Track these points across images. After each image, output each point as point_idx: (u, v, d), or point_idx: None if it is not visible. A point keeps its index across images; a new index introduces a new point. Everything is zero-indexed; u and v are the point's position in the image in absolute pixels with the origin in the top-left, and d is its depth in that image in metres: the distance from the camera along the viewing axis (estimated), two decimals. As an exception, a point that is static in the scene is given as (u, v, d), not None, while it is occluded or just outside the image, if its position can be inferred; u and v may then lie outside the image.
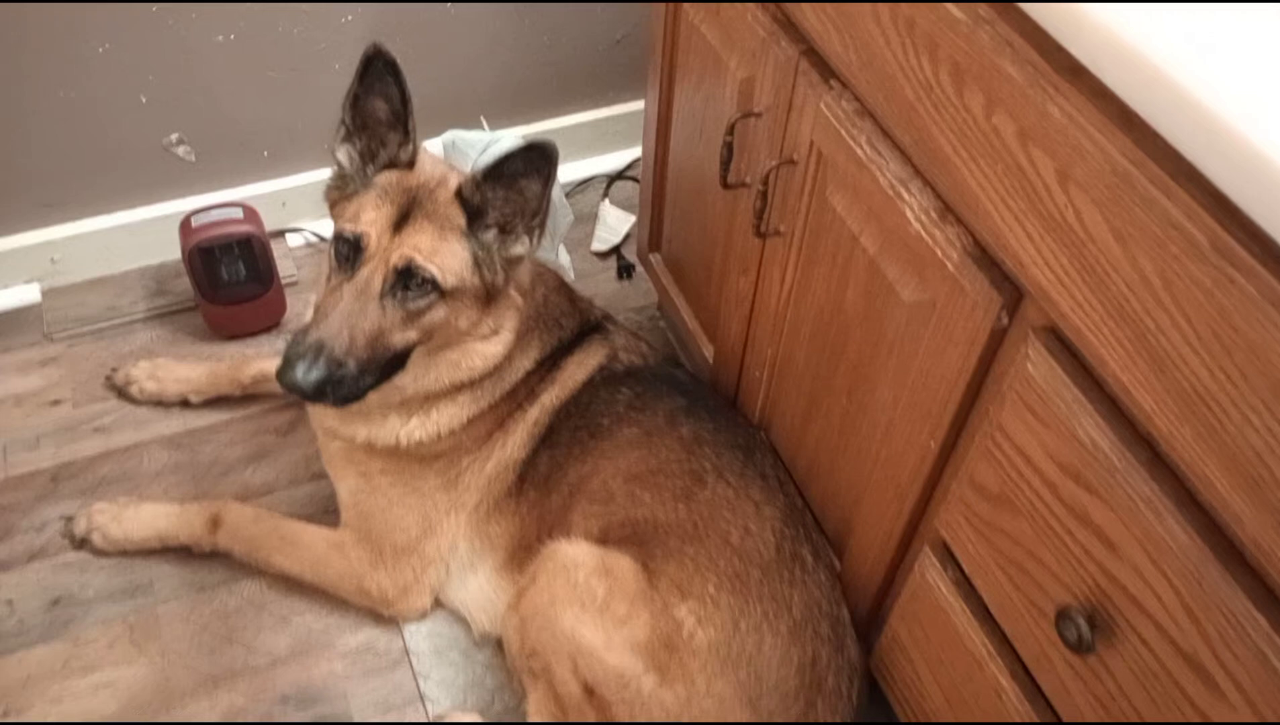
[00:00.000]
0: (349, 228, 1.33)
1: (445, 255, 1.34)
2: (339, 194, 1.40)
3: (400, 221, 1.33)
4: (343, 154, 1.40)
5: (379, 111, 1.37)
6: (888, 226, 1.12)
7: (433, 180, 1.37)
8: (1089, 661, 0.95)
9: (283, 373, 1.30)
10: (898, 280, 1.13)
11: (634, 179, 2.23)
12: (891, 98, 1.06)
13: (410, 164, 1.38)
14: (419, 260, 1.32)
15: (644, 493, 1.45)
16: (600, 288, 2.10)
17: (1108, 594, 0.91)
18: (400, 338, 1.36)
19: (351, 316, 1.31)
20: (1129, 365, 0.82)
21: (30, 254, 1.96)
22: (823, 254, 1.28)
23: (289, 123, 1.99)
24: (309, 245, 2.13)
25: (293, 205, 2.09)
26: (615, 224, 2.20)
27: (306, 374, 1.29)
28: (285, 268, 2.02)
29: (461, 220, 1.36)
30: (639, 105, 2.05)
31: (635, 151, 2.24)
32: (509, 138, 2.02)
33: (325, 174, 2.01)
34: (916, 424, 1.15)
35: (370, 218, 1.33)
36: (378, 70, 1.33)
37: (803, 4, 1.18)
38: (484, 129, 2.06)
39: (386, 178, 1.37)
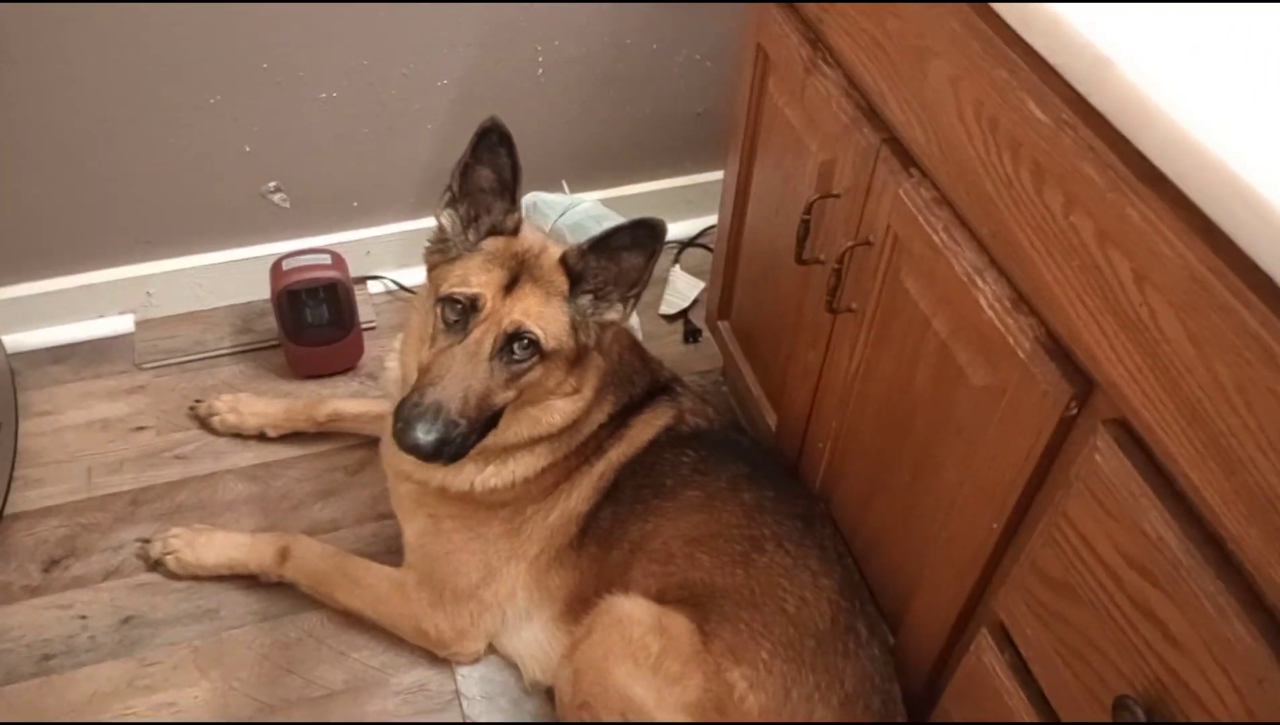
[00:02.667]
0: (462, 290, 1.38)
1: (549, 319, 1.39)
2: (440, 257, 1.45)
3: (509, 285, 1.39)
4: (446, 218, 1.45)
5: (485, 180, 1.42)
6: (960, 312, 1.15)
7: (536, 246, 1.43)
8: (1146, 754, 0.95)
9: (403, 434, 1.34)
10: (968, 364, 1.16)
11: (705, 246, 2.29)
12: (971, 190, 1.10)
13: (515, 231, 1.44)
14: (528, 323, 1.37)
15: (703, 555, 1.47)
16: (666, 350, 2.15)
17: (1168, 688, 0.92)
18: (501, 397, 1.40)
19: (465, 378, 1.35)
20: (1199, 464, 0.84)
21: (127, 286, 2.06)
22: (894, 334, 1.31)
23: (379, 177, 2.08)
24: (388, 292, 2.21)
25: (376, 254, 2.17)
26: (684, 289, 2.25)
27: (426, 435, 1.32)
28: (365, 313, 2.09)
29: (564, 286, 1.42)
30: (715, 176, 2.12)
31: (708, 220, 2.30)
32: (588, 201, 2.10)
33: (408, 226, 2.13)
34: (980, 506, 1.17)
35: (483, 281, 1.38)
36: (491, 142, 1.39)
37: (887, 95, 1.23)
38: (564, 192, 2.13)
39: (493, 243, 1.42)
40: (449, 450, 1.35)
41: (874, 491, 1.45)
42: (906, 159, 1.23)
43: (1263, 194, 0.75)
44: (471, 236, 1.45)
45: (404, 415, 1.35)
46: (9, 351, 2.00)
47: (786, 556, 1.46)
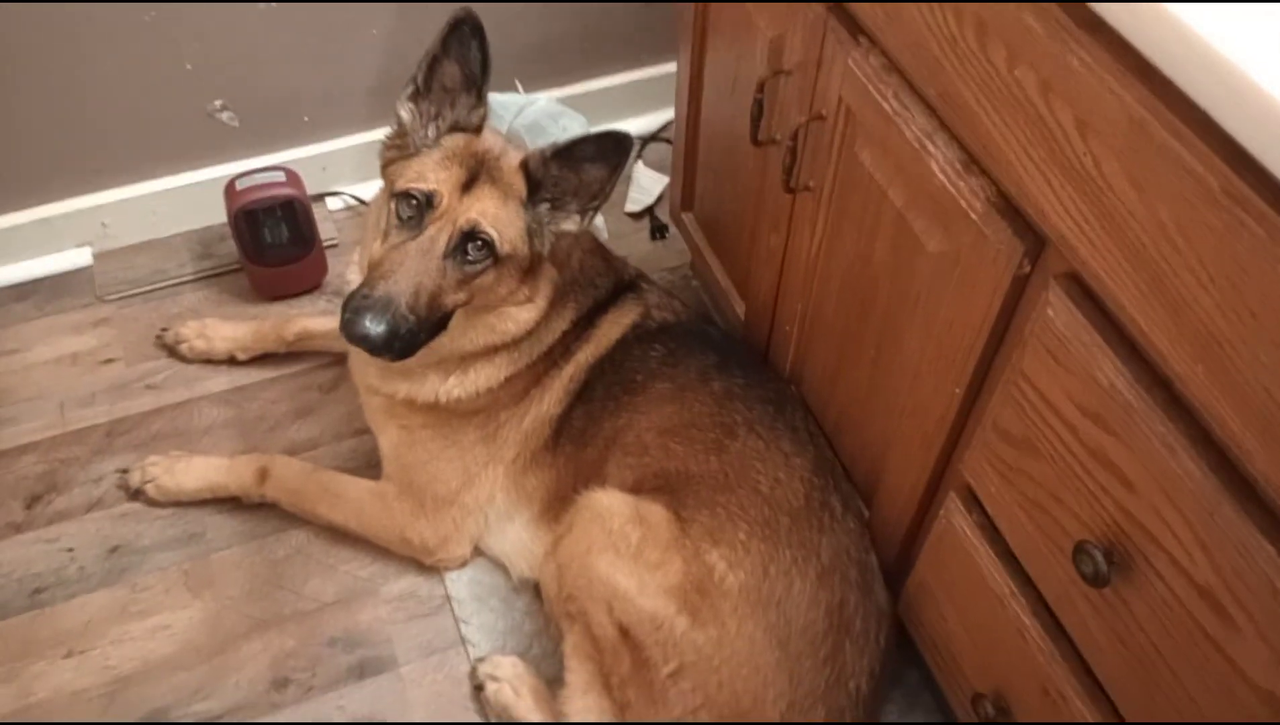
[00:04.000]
0: (418, 186, 1.36)
1: (506, 222, 1.38)
2: (397, 153, 1.43)
3: (467, 184, 1.37)
4: (406, 111, 1.42)
5: (450, 75, 1.40)
6: (914, 179, 1.15)
7: (496, 148, 1.41)
8: (1107, 596, 0.98)
9: (351, 324, 1.33)
10: (924, 232, 1.16)
11: (667, 140, 2.26)
12: (918, 53, 1.08)
13: (479, 129, 1.42)
14: (484, 224, 1.36)
15: (677, 445, 1.49)
16: (634, 248, 2.14)
17: (1125, 531, 0.94)
18: (452, 298, 1.40)
19: (417, 274, 1.34)
20: (1146, 308, 0.85)
21: (81, 218, 2.02)
22: (851, 208, 1.31)
23: (328, 89, 2.03)
24: (348, 208, 2.18)
25: (332, 169, 2.13)
26: (648, 185, 2.23)
27: (374, 326, 1.32)
28: (325, 230, 2.07)
29: (523, 191, 1.40)
30: (671, 68, 2.07)
31: (668, 114, 2.26)
32: (543, 100, 2.06)
33: (364, 138, 2.09)
34: (942, 373, 1.18)
35: (441, 177, 1.37)
36: (463, 34, 1.36)
37: (831, -38, 1.20)
38: (518, 91, 2.09)
39: (453, 141, 1.40)
40: (397, 344, 1.35)
41: (841, 368, 1.46)
42: (854, 27, 1.21)
43: (1197, 30, 0.74)
44: (431, 133, 1.42)
45: (353, 305, 1.34)
46: (-33, 293, 1.98)
47: (758, 440, 1.48)
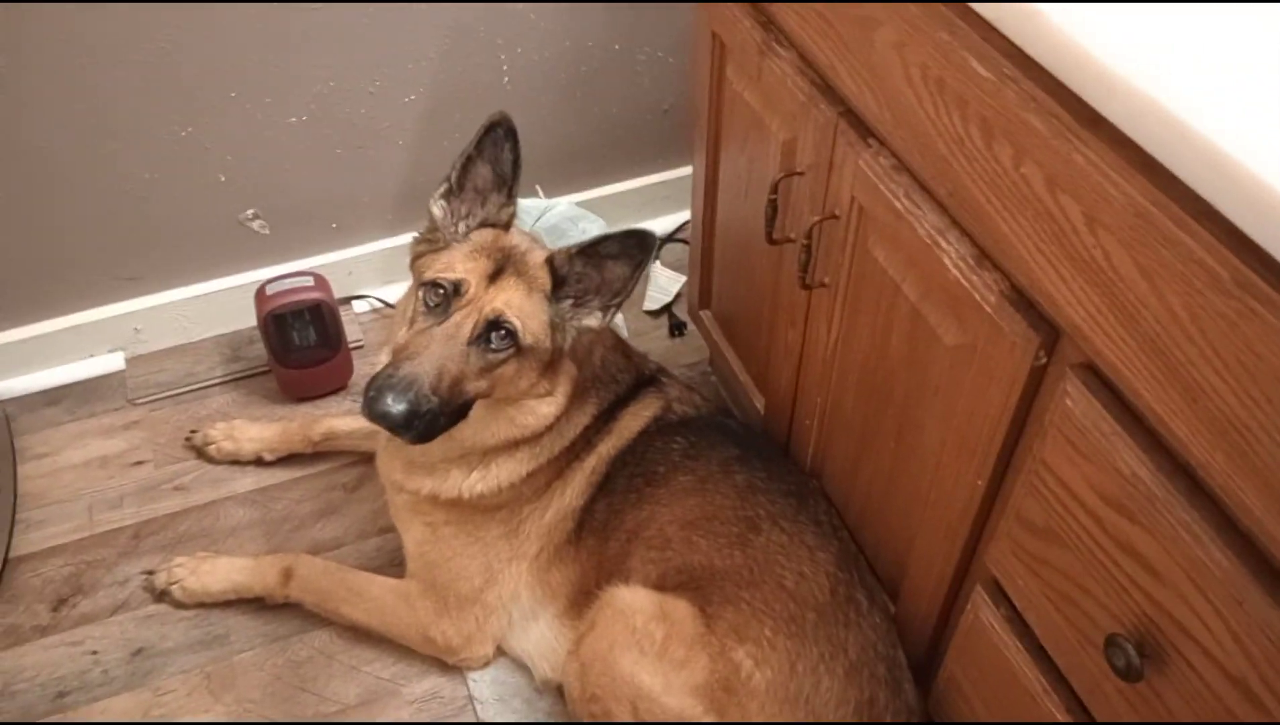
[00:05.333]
0: (446, 276, 1.40)
1: (529, 314, 1.41)
2: (427, 247, 1.48)
3: (494, 276, 1.41)
4: (438, 209, 1.48)
5: (482, 175, 1.46)
6: (928, 274, 1.17)
7: (523, 244, 1.46)
8: (1140, 690, 0.97)
9: (374, 402, 1.34)
10: (939, 325, 1.18)
11: (683, 241, 2.31)
12: (925, 152, 1.12)
13: (508, 226, 1.47)
14: (508, 314, 1.39)
15: (700, 539, 1.49)
16: (653, 346, 2.17)
17: (1155, 621, 0.93)
18: (473, 386, 1.42)
19: (440, 357, 1.37)
20: (1163, 397, 0.86)
21: (115, 324, 2.08)
22: (866, 303, 1.33)
23: (355, 197, 2.10)
24: (373, 311, 2.23)
25: (358, 274, 2.19)
26: (666, 284, 2.27)
27: (396, 404, 1.33)
28: (352, 332, 2.11)
29: (548, 285, 1.44)
30: (687, 170, 2.14)
31: (684, 214, 2.32)
32: (563, 204, 2.12)
33: (388, 243, 2.15)
34: (963, 464, 1.19)
35: (468, 267, 1.41)
36: (497, 136, 1.42)
37: (839, 68, 1.25)
38: (539, 196, 2.15)
39: (482, 235, 1.45)
40: (418, 424, 1.36)
41: (862, 461, 1.46)
42: (863, 130, 1.25)
43: (1194, 127, 0.77)
44: (462, 229, 1.47)
45: (376, 384, 1.36)
46: (2, 397, 2.02)
47: (782, 534, 1.47)
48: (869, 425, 1.41)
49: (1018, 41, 0.93)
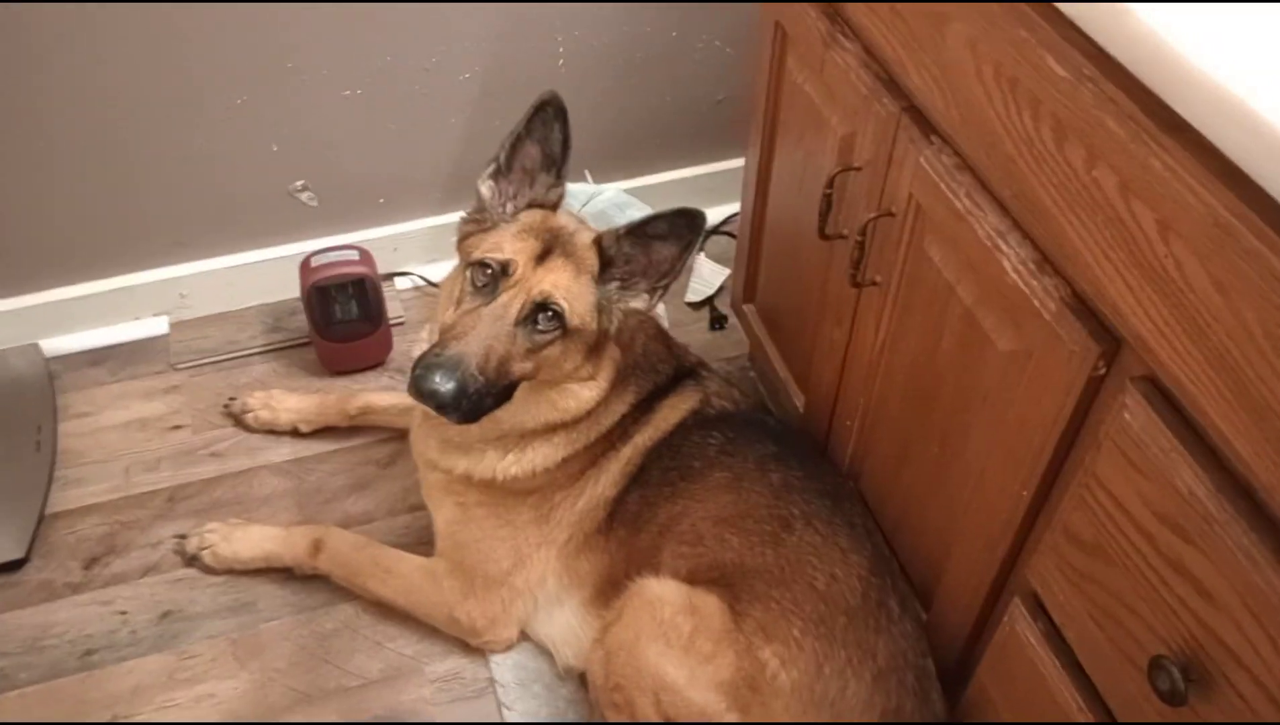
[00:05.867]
0: (494, 256, 1.40)
1: (577, 295, 1.41)
2: (475, 227, 1.47)
3: (541, 257, 1.40)
4: (486, 188, 1.47)
5: (531, 155, 1.45)
6: (985, 277, 1.15)
7: (570, 225, 1.45)
8: (1182, 714, 0.94)
9: (420, 380, 1.34)
10: (994, 330, 1.15)
11: (729, 233, 2.29)
12: (991, 152, 1.09)
13: (556, 206, 1.46)
14: (556, 295, 1.39)
15: (732, 536, 1.47)
16: (693, 337, 2.15)
17: (1203, 645, 0.91)
18: (519, 367, 1.41)
19: (488, 337, 1.36)
20: (1228, 414, 0.83)
21: (161, 289, 2.09)
22: (918, 304, 1.30)
23: (405, 173, 2.10)
24: (416, 289, 2.23)
25: (403, 250, 2.19)
26: (709, 276, 2.26)
27: (444, 383, 1.33)
28: (393, 309, 2.11)
29: (595, 267, 1.43)
30: (736, 163, 2.11)
31: (731, 207, 2.29)
32: (611, 190, 2.11)
33: (435, 221, 2.15)
34: (1009, 473, 1.16)
35: (516, 247, 1.40)
36: (547, 116, 1.42)
37: (906, 63, 1.23)
38: (588, 181, 2.14)
39: (530, 216, 1.45)
40: (464, 404, 1.35)
41: (902, 465, 1.44)
42: (926, 126, 1.23)
43: (1284, 133, 0.74)
44: (510, 209, 1.47)
45: (424, 363, 1.35)
46: (47, 355, 2.04)
47: (816, 534, 1.45)
48: (913, 429, 1.39)
49: (1100, 41, 0.90)
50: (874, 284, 1.38)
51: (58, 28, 1.71)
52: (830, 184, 1.40)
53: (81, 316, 2.07)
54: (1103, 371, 1.00)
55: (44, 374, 1.99)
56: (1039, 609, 1.16)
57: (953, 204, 1.16)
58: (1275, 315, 0.77)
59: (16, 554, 1.75)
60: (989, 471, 1.21)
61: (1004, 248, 1.10)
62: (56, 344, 2.07)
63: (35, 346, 2.04)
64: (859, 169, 1.37)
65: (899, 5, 1.22)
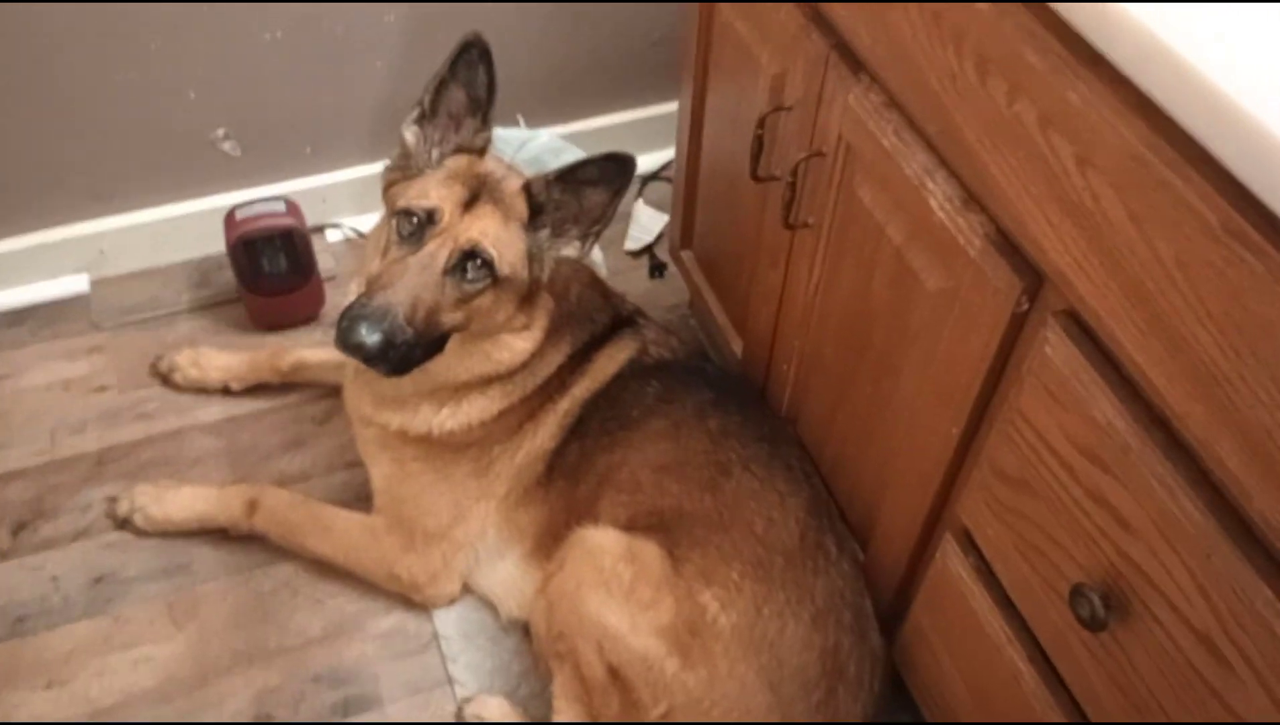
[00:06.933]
0: (420, 202, 1.36)
1: (506, 243, 1.38)
2: (400, 174, 1.44)
3: (469, 204, 1.37)
4: (411, 134, 1.44)
5: (456, 100, 1.41)
6: (913, 216, 1.14)
7: (499, 171, 1.42)
8: (1103, 640, 0.96)
9: (347, 332, 1.31)
10: (922, 269, 1.15)
11: (668, 180, 2.26)
12: (918, 89, 1.08)
13: (483, 151, 1.43)
14: (484, 243, 1.36)
15: (671, 483, 1.47)
16: (632, 286, 2.13)
17: (1122, 573, 0.92)
18: (449, 317, 1.39)
19: (415, 287, 1.34)
20: (1144, 346, 0.84)
21: (80, 245, 2.02)
22: (850, 245, 1.30)
23: (331, 121, 2.04)
24: (346, 241, 2.18)
25: (332, 201, 2.14)
26: (648, 223, 2.23)
27: (370, 335, 1.30)
28: (324, 262, 2.06)
29: (524, 214, 1.40)
30: (672, 107, 2.08)
31: (669, 153, 2.27)
32: (545, 135, 2.07)
33: (364, 171, 2.10)
34: (939, 412, 1.17)
35: (442, 195, 1.37)
36: (471, 58, 1.38)
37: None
38: (520, 125, 2.10)
39: (456, 161, 1.41)
40: (392, 355, 1.33)
41: (837, 407, 1.45)
42: (855, 64, 1.22)
43: (1196, 66, 0.74)
44: (435, 155, 1.43)
45: (350, 314, 1.33)
46: (-37, 317, 1.98)
47: (753, 479, 1.46)
48: (847, 371, 1.39)
49: (1017, -28, 0.89)
50: (807, 226, 1.37)
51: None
52: (762, 124, 1.38)
53: (-2, 276, 2.00)
54: (1026, 307, 1.00)
55: (-39, 336, 1.93)
56: (970, 544, 1.18)
57: (881, 142, 1.16)
58: (1186, 245, 0.77)
59: (-59, 523, 1.70)
60: (920, 411, 1.22)
61: (930, 186, 1.09)
62: (-29, 304, 2.00)
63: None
64: (790, 109, 1.35)
65: (825, -61, 1.20)
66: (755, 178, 1.43)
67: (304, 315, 2.02)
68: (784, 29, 1.33)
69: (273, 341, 2.00)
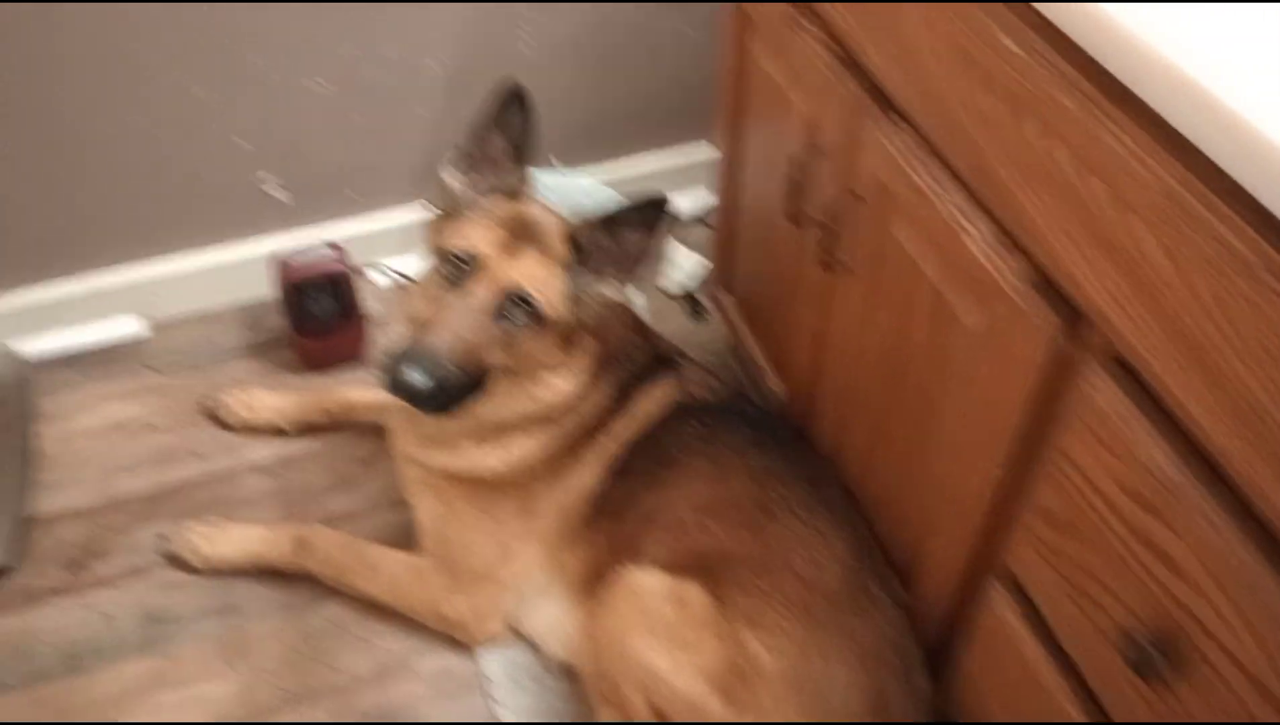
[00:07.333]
0: (463, 247, 1.40)
1: (548, 285, 1.41)
2: (442, 218, 1.48)
3: (510, 246, 1.40)
4: (451, 178, 1.47)
5: (495, 143, 1.45)
6: (949, 256, 1.14)
7: (540, 214, 1.45)
8: (1155, 687, 0.94)
9: (397, 375, 1.35)
10: (960, 308, 1.15)
11: (708, 223, 2.28)
12: (950, 130, 1.09)
13: (521, 195, 1.47)
14: (528, 287, 1.38)
15: (714, 523, 1.47)
16: (672, 328, 2.14)
17: (1171, 616, 0.91)
18: (493, 358, 1.41)
19: (460, 329, 1.37)
20: (1184, 382, 0.84)
21: (135, 289, 2.08)
22: (887, 285, 1.30)
23: (373, 166, 2.09)
24: (388, 282, 2.22)
25: (373, 243, 2.18)
26: (687, 266, 2.25)
27: (416, 375, 1.34)
28: (365, 302, 2.10)
29: (566, 256, 1.43)
30: (704, 147, 2.11)
31: (702, 193, 2.29)
32: (580, 178, 2.10)
33: (406, 214, 2.13)
34: (981, 452, 1.16)
35: (486, 239, 1.40)
36: (508, 103, 1.42)
37: (865, 43, 1.22)
38: (555, 167, 2.13)
39: (497, 205, 1.45)
40: (439, 396, 1.36)
41: (879, 446, 1.44)
42: (888, 106, 1.22)
43: (1228, 104, 0.74)
44: (475, 199, 1.46)
45: (396, 356, 1.36)
46: (20, 358, 2.03)
47: (796, 519, 1.45)
48: (886, 410, 1.39)
49: (1048, 15, 0.90)
50: (844, 267, 1.38)
51: (11, 23, 1.69)
52: (796, 167, 1.39)
53: (55, 318, 2.04)
54: (1065, 346, 0.99)
55: (19, 376, 1.97)
56: (1017, 588, 1.16)
57: (915, 182, 1.16)
58: (1224, 281, 0.77)
59: (2, 562, 1.74)
60: (962, 451, 1.21)
61: (966, 225, 1.09)
62: (30, 346, 2.04)
63: (6, 348, 2.01)
64: (825, 152, 1.36)
65: (857, -15, 1.22)
66: (792, 220, 1.44)
67: (348, 355, 2.06)
68: (817, 73, 1.34)
69: (319, 382, 2.04)
